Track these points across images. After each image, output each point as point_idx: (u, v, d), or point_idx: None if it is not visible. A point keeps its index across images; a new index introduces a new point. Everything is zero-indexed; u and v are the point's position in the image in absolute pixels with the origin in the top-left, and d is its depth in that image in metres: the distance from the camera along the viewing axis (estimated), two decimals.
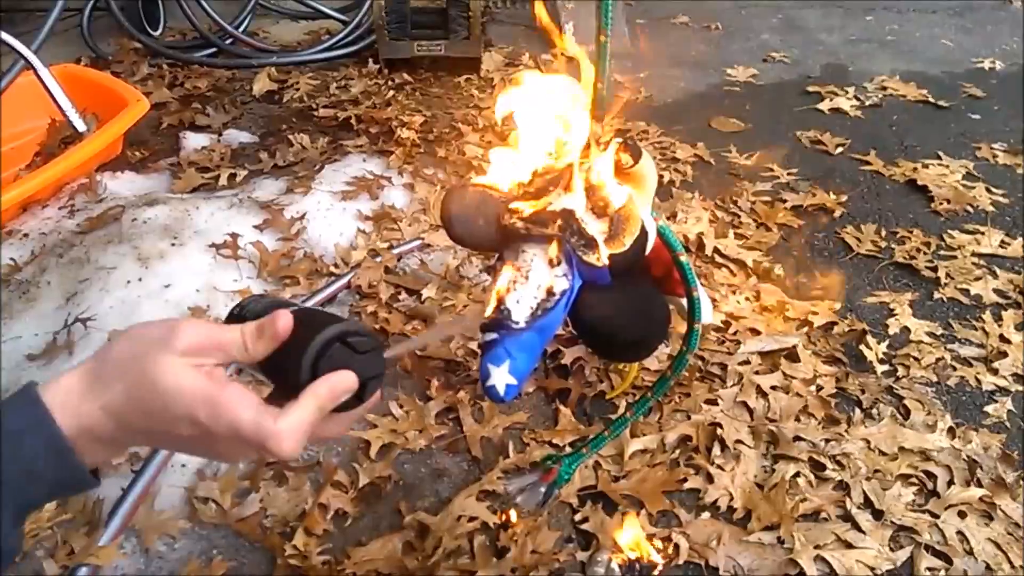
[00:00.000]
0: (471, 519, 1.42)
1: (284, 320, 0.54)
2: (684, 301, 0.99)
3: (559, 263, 0.79)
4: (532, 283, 0.78)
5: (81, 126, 2.09)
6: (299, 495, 1.47)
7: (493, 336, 0.77)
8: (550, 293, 0.78)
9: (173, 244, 1.99)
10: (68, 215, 2.22)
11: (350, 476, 1.50)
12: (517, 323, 0.76)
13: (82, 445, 0.51)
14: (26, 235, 2.13)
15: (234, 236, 2.01)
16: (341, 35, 3.23)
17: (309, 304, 1.83)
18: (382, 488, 1.50)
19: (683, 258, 0.94)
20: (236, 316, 0.61)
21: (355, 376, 0.53)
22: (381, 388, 0.58)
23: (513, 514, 1.44)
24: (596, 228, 0.82)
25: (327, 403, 0.52)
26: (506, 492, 1.27)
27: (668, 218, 2.13)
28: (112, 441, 0.53)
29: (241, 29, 3.29)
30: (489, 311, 0.77)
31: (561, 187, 0.83)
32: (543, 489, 1.28)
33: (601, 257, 0.79)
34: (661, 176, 2.40)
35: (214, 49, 3.22)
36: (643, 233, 0.85)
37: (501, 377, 0.76)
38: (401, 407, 1.65)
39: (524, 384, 0.80)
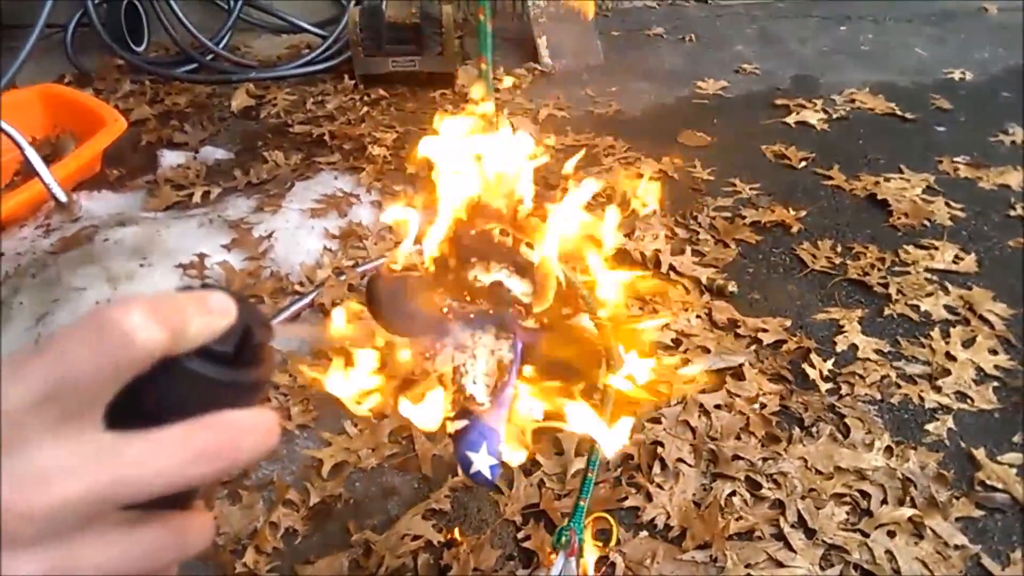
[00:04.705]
0: (415, 538, 1.47)
1: None
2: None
3: (501, 336, 0.83)
4: (480, 360, 0.81)
5: (63, 197, 2.21)
6: (251, 513, 1.53)
7: (463, 423, 0.78)
8: (502, 365, 0.82)
9: (142, 265, 2.05)
10: (44, 234, 2.27)
11: (302, 495, 1.56)
12: (483, 404, 0.78)
13: None
14: (2, 254, 2.19)
15: (201, 256, 2.07)
16: (319, 50, 3.28)
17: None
18: (332, 507, 1.55)
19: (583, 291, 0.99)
20: None
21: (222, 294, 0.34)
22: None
23: (457, 532, 1.49)
24: (521, 290, 0.87)
25: (192, 304, 0.33)
26: None
27: (625, 236, 2.17)
28: None
29: (222, 44, 3.34)
30: (450, 401, 0.79)
31: (480, 257, 0.86)
32: (573, 562, 1.32)
33: (536, 318, 0.84)
34: (624, 192, 2.44)
35: (195, 65, 3.27)
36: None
37: (483, 461, 0.78)
38: (355, 425, 1.70)
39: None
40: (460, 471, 0.80)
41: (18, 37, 3.04)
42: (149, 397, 0.31)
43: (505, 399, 0.82)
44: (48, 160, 2.43)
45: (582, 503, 1.26)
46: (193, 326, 0.32)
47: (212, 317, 0.33)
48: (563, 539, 1.31)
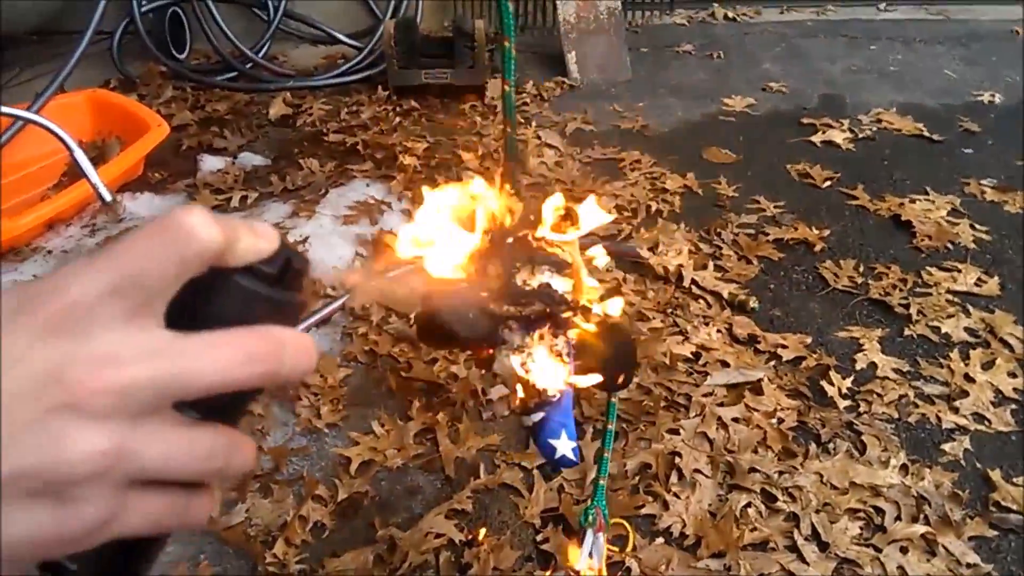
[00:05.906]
0: (438, 536, 1.53)
1: None
2: None
3: (556, 332, 0.89)
4: (540, 355, 0.88)
5: (108, 198, 2.35)
6: (282, 507, 1.59)
7: (540, 415, 0.85)
8: (560, 357, 0.88)
9: None
10: (89, 234, 2.38)
11: (330, 491, 1.62)
12: (554, 395, 0.85)
13: None
14: (50, 252, 2.29)
15: None
16: (354, 61, 3.37)
17: (302, 327, 1.96)
18: (359, 503, 1.61)
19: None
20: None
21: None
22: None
23: (481, 532, 1.54)
24: (564, 288, 0.93)
25: (242, 224, 0.36)
26: (576, 571, 1.36)
27: (649, 250, 2.22)
28: None
29: (261, 53, 3.44)
30: (520, 399, 0.85)
31: (524, 261, 0.92)
32: (601, 537, 1.37)
33: (584, 314, 0.90)
34: (649, 207, 2.49)
35: (235, 73, 3.38)
36: None
37: (565, 446, 0.84)
38: (382, 426, 1.77)
39: None
40: (544, 458, 0.86)
41: (64, 44, 3.17)
42: (200, 307, 0.34)
43: (569, 388, 0.88)
44: (95, 162, 2.54)
45: (601, 481, 1.31)
46: (243, 241, 0.35)
47: (259, 238, 0.36)
48: (590, 516, 1.36)
